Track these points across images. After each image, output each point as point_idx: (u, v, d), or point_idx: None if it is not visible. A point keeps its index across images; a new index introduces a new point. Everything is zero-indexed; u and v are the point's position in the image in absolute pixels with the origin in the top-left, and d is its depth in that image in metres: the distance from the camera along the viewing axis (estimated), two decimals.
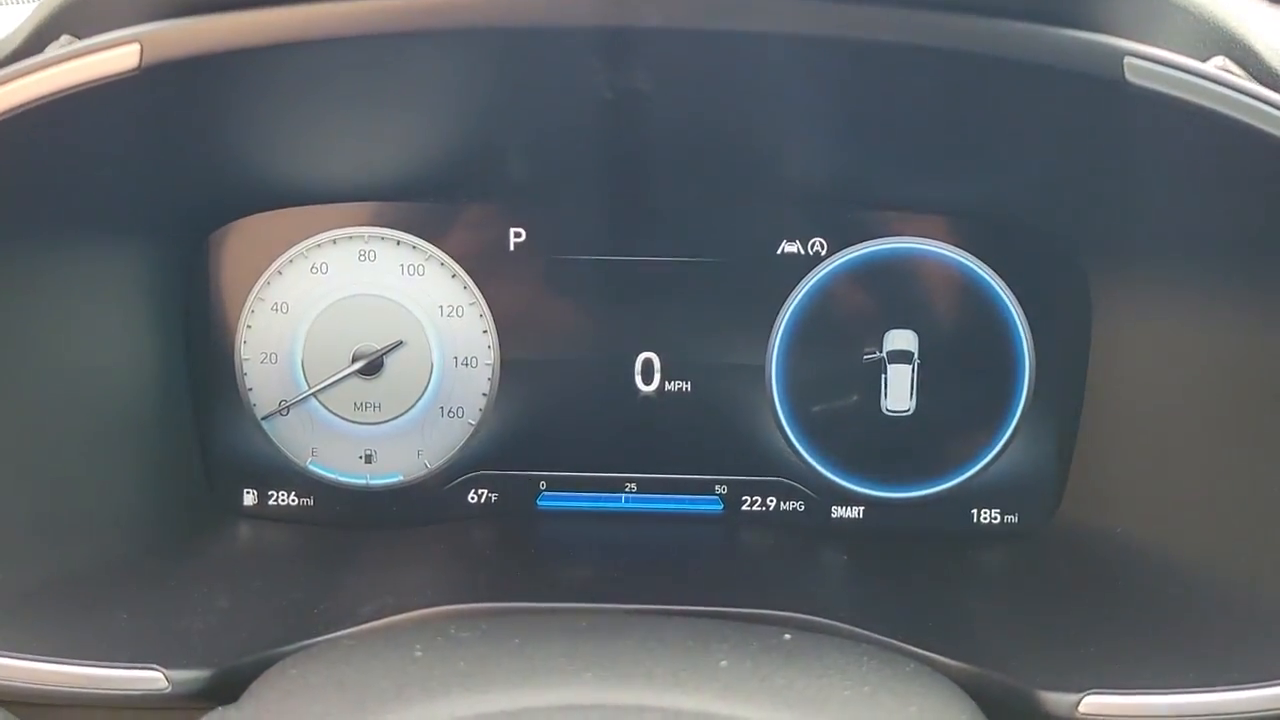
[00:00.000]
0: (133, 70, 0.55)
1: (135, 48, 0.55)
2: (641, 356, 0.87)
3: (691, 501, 0.88)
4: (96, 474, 0.79)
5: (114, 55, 0.55)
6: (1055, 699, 0.62)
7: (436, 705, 0.43)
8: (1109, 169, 0.72)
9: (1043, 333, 0.85)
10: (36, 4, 0.73)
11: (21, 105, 0.56)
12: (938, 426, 0.86)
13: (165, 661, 0.64)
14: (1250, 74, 0.62)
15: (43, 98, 0.56)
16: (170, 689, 0.63)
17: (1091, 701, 0.61)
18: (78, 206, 0.73)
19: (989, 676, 0.64)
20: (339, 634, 0.66)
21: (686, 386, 0.87)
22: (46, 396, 0.75)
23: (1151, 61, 0.57)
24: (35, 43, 0.68)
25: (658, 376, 0.87)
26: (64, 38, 0.65)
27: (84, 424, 0.78)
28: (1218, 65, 0.61)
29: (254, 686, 0.56)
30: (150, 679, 0.63)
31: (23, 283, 0.73)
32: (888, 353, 0.86)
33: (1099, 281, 0.82)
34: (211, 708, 0.55)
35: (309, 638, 0.66)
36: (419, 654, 0.50)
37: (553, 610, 0.67)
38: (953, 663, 0.64)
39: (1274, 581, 0.65)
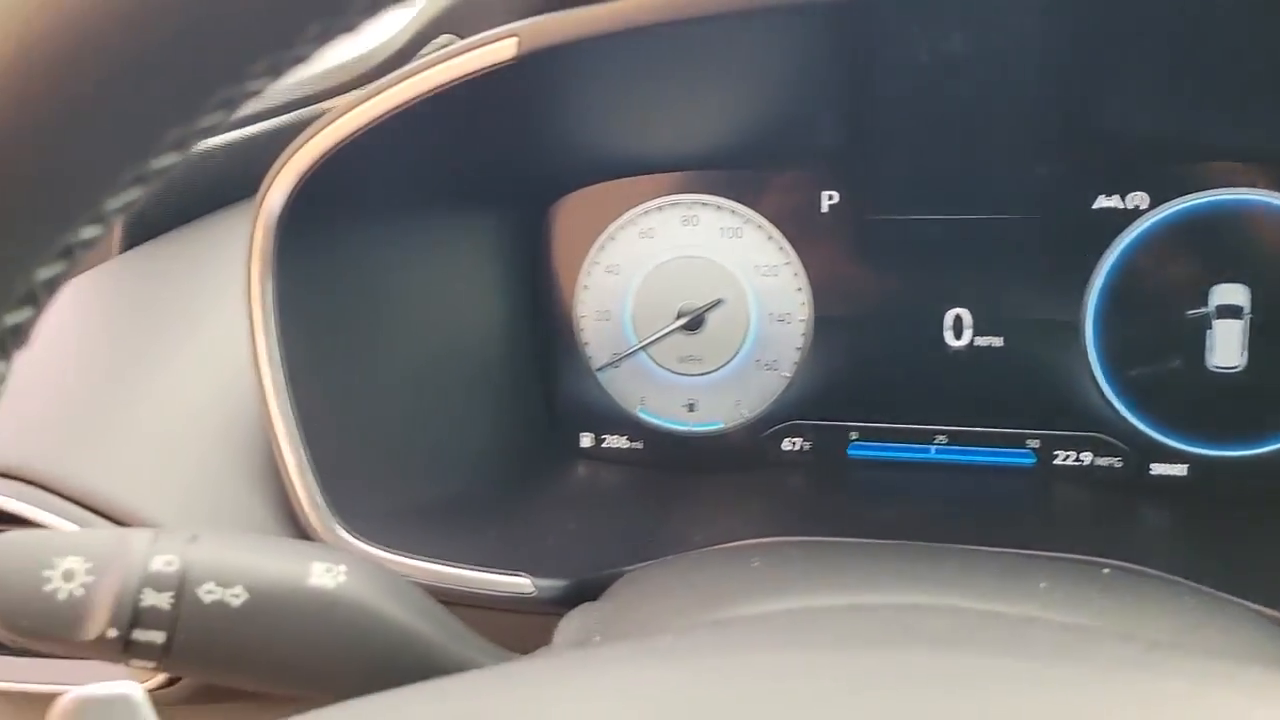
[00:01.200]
0: (510, 60, 0.65)
1: (513, 41, 0.65)
2: (952, 312, 0.90)
3: (1002, 454, 0.90)
4: (461, 415, 0.92)
5: (495, 48, 0.64)
6: None
7: (779, 602, 0.49)
8: None
9: None
10: (416, 9, 0.86)
11: (420, 95, 0.67)
12: (1271, 383, 0.83)
13: (531, 570, 0.74)
14: None
15: (437, 88, 0.67)
16: (535, 593, 0.73)
17: None
18: (450, 184, 0.86)
19: None
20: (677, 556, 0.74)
21: (998, 342, 0.89)
22: (425, 348, 0.88)
23: None
24: (417, 42, 0.81)
25: (968, 332, 0.89)
26: (444, 37, 0.77)
27: (452, 372, 0.91)
28: None
29: (611, 589, 0.65)
30: (520, 584, 0.74)
31: (406, 250, 0.86)
32: (1215, 308, 0.84)
33: None
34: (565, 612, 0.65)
35: (648, 559, 0.74)
36: (756, 565, 0.57)
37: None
38: (1273, 612, 0.63)
39: None
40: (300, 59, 0.34)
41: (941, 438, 0.91)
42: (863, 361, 0.92)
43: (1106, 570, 0.58)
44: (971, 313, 0.89)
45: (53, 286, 0.35)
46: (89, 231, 0.34)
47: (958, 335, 0.90)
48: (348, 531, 0.73)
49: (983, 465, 0.91)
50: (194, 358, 0.80)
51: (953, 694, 0.33)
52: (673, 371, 0.97)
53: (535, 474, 0.95)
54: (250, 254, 0.72)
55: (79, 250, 0.34)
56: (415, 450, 0.85)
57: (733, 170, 0.93)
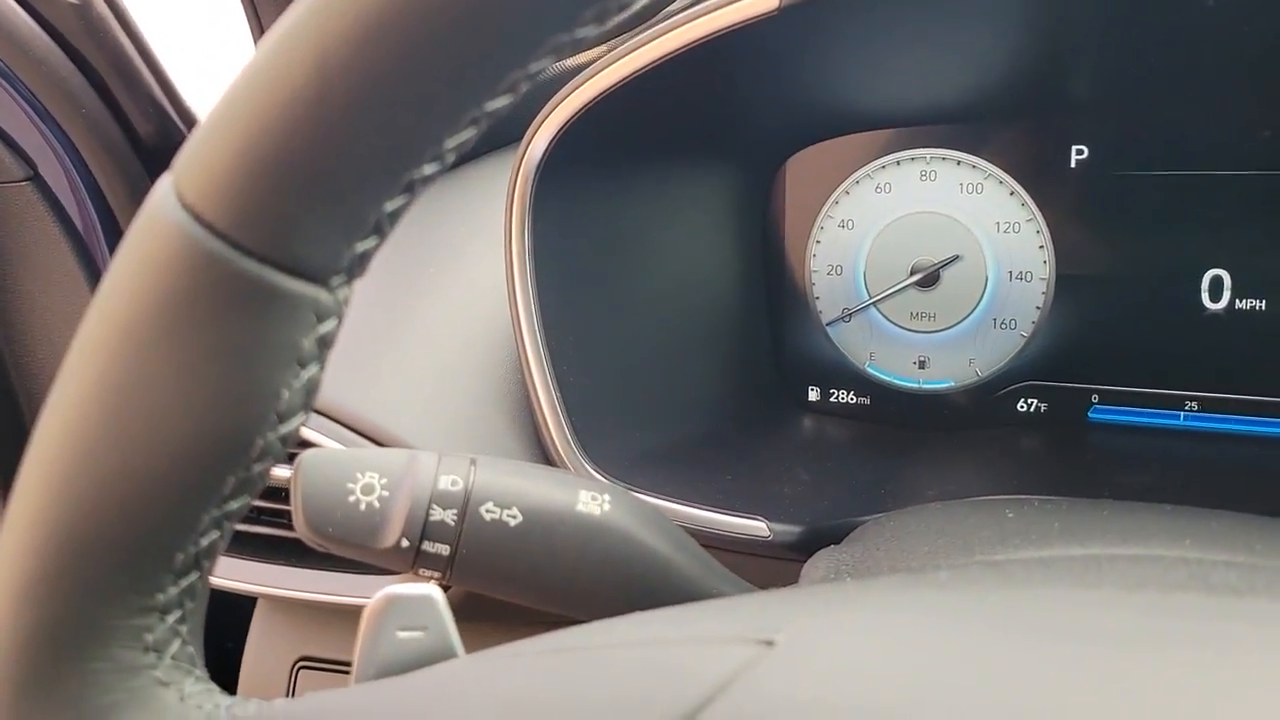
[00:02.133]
0: (773, 11, 0.65)
1: None
2: (1210, 273, 0.85)
3: (1260, 424, 0.85)
4: (696, 364, 0.94)
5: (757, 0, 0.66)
6: None
7: (1042, 550, 0.49)
8: None
9: None
10: None
11: (683, 47, 0.69)
12: None
13: (766, 515, 0.76)
14: None
15: (699, 39, 0.68)
16: (771, 537, 0.75)
17: None
18: (697, 137, 0.88)
19: None
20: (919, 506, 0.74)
21: (1260, 305, 0.84)
22: (665, 297, 0.91)
23: None
24: None
25: (1227, 294, 0.85)
26: None
27: (689, 321, 0.93)
28: None
29: (854, 535, 0.66)
30: (756, 527, 0.76)
31: (652, 201, 0.89)
32: None
33: None
34: (802, 558, 0.66)
35: (882, 511, 0.75)
36: (1011, 515, 0.57)
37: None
38: None
39: None
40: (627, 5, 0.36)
41: (1192, 404, 0.87)
42: (1107, 323, 0.89)
43: None
44: (1231, 274, 0.85)
45: (395, 218, 0.38)
46: (430, 168, 0.37)
47: (1215, 298, 0.86)
48: (594, 469, 0.77)
49: (1237, 434, 0.86)
50: (458, 297, 0.85)
51: (1260, 640, 0.32)
52: (904, 328, 0.96)
53: (765, 424, 0.97)
54: (511, 201, 0.76)
55: (420, 185, 0.38)
56: (654, 395, 0.88)
57: (976, 124, 0.91)
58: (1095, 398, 0.90)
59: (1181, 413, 0.88)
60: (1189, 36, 0.77)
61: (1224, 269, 0.85)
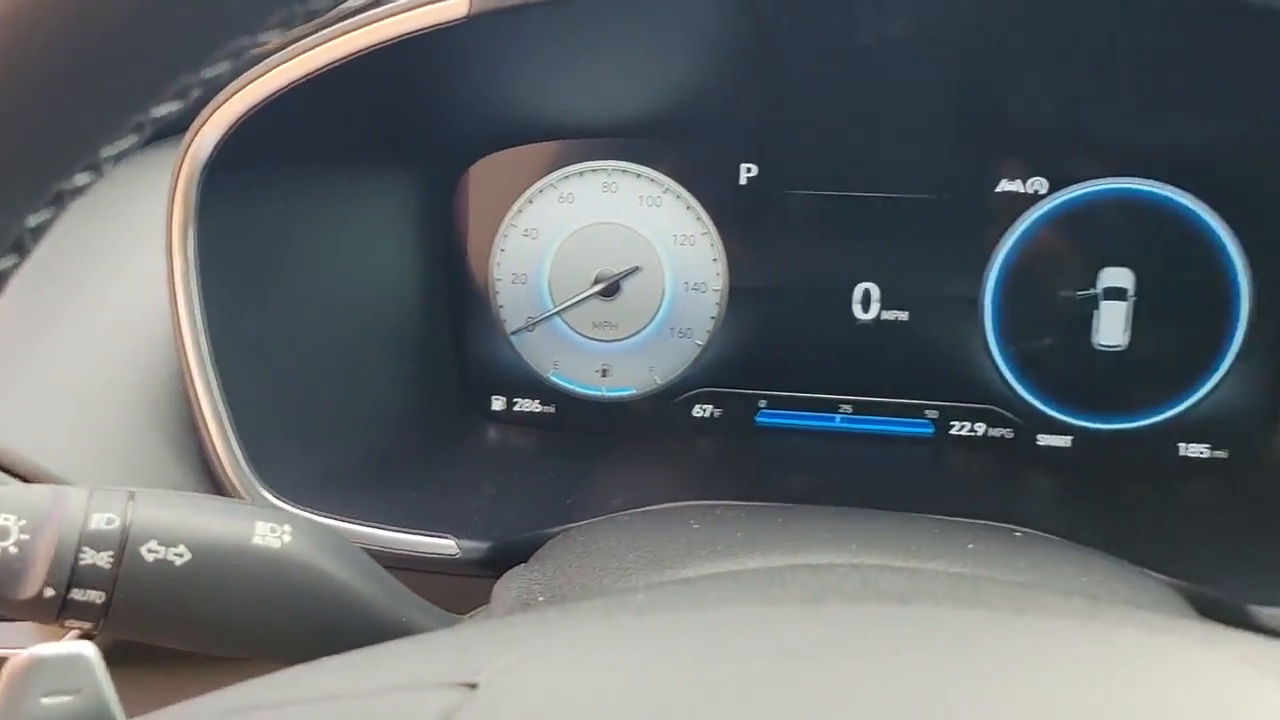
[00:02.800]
0: (461, 19, 0.64)
1: None
2: (861, 286, 0.93)
3: (903, 424, 0.94)
4: (376, 376, 0.91)
5: (447, 5, 0.64)
6: (1270, 614, 0.66)
7: (726, 562, 0.51)
8: None
9: (1263, 273, 0.87)
10: None
11: (367, 48, 0.65)
12: (1150, 362, 0.89)
13: (454, 532, 0.74)
14: None
15: (384, 41, 0.65)
16: (460, 554, 0.74)
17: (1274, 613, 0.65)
18: (376, 139, 0.84)
19: (1201, 592, 0.68)
20: (599, 519, 0.75)
21: (903, 316, 0.93)
22: (342, 305, 0.87)
23: None
24: None
25: (875, 306, 0.93)
26: None
27: (367, 330, 0.90)
28: None
29: (542, 552, 0.65)
30: (445, 546, 0.74)
31: (327, 204, 0.85)
32: (1103, 289, 0.89)
33: None
34: (492, 575, 0.65)
35: (569, 522, 0.75)
36: (695, 526, 0.59)
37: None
38: (1164, 578, 0.69)
39: None
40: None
41: (847, 407, 0.95)
42: (774, 331, 0.95)
43: (1018, 534, 0.62)
44: (880, 287, 0.93)
45: (39, 234, 0.34)
46: (83, 179, 0.33)
47: (865, 308, 0.93)
48: (272, 495, 0.72)
49: (885, 434, 0.95)
50: (110, 308, 0.77)
51: (928, 644, 0.35)
52: (587, 337, 0.97)
53: (450, 436, 0.95)
54: (172, 201, 0.70)
55: (70, 197, 0.33)
56: (334, 410, 0.84)
57: (655, 139, 0.94)
58: (763, 403, 0.96)
59: (838, 415, 0.95)
60: (848, 69, 0.83)
61: (873, 283, 0.93)
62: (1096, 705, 0.31)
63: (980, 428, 0.93)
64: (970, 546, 0.55)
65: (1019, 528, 0.64)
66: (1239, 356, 0.88)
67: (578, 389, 0.98)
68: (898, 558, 0.50)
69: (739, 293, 0.95)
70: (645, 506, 0.75)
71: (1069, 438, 0.92)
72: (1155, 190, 0.88)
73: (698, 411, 0.97)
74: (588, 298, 0.96)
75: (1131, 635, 0.36)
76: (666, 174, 0.94)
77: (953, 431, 0.94)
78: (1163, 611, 0.54)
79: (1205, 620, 0.57)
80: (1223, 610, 0.67)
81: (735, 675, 0.33)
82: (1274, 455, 0.87)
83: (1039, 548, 0.59)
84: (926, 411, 0.94)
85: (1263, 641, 0.38)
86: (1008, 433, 0.93)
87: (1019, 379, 0.92)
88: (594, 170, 0.95)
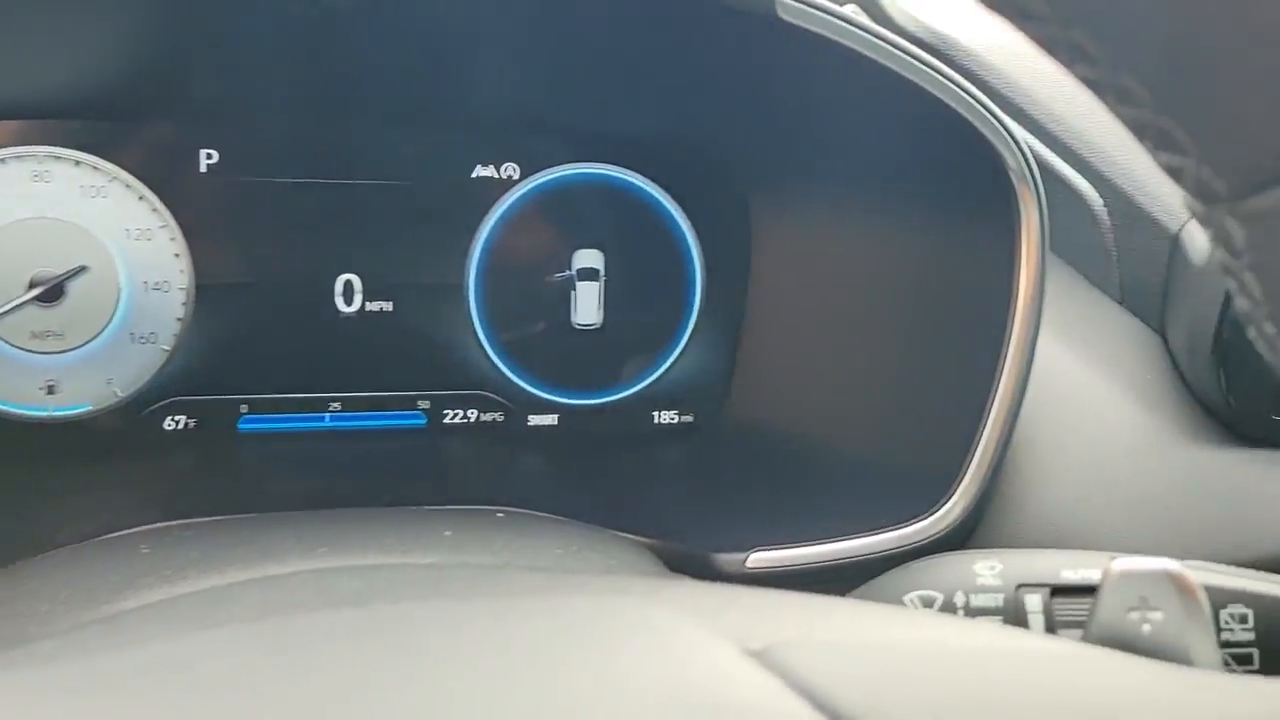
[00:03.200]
0: None
1: None
2: (342, 278, 0.89)
3: (395, 417, 0.92)
4: None
5: None
6: (727, 558, 0.72)
7: (173, 587, 0.46)
8: (767, 102, 0.83)
9: (712, 252, 0.95)
10: None
11: None
12: (623, 338, 0.95)
13: None
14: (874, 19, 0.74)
15: None
16: None
17: (757, 556, 0.72)
18: None
19: (670, 546, 0.73)
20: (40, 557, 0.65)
21: (388, 306, 0.91)
22: None
23: (799, 1, 0.66)
24: None
25: (359, 297, 0.90)
26: None
27: None
28: (851, 9, 0.72)
29: None
30: None
31: None
32: (576, 270, 0.93)
33: (759, 205, 0.93)
34: None
35: (8, 563, 0.65)
36: (146, 551, 0.52)
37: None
38: (636, 537, 0.73)
39: (893, 451, 0.79)
40: None
41: (336, 405, 0.91)
42: (250, 331, 0.88)
43: (500, 514, 0.62)
44: (362, 278, 0.90)
45: None
46: None
47: (349, 301, 0.90)
48: None
49: (378, 429, 0.92)
50: None
51: (379, 644, 0.33)
52: (25, 349, 0.84)
53: None
54: None
55: None
56: None
57: (96, 122, 0.83)
58: (244, 408, 0.89)
59: (327, 415, 0.90)
60: (304, 45, 0.79)
61: (355, 273, 0.90)
62: (550, 674, 0.31)
63: (472, 414, 0.93)
64: (448, 534, 0.53)
65: (502, 509, 0.64)
66: (696, 329, 0.96)
67: (18, 410, 0.85)
68: (370, 556, 0.48)
69: (207, 291, 0.87)
70: (102, 536, 0.67)
71: (555, 416, 0.95)
72: (618, 175, 0.93)
73: (170, 424, 0.88)
74: (22, 304, 0.83)
75: (585, 602, 0.36)
76: (112, 161, 0.84)
77: (446, 420, 0.93)
78: (633, 572, 0.57)
79: (664, 576, 0.61)
80: (691, 562, 0.72)
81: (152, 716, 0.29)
82: (732, 417, 0.96)
83: (519, 527, 0.60)
84: (419, 402, 0.92)
85: (704, 589, 0.41)
86: (499, 416, 0.94)
87: (506, 362, 0.93)
88: (19, 158, 0.82)
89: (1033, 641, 0.38)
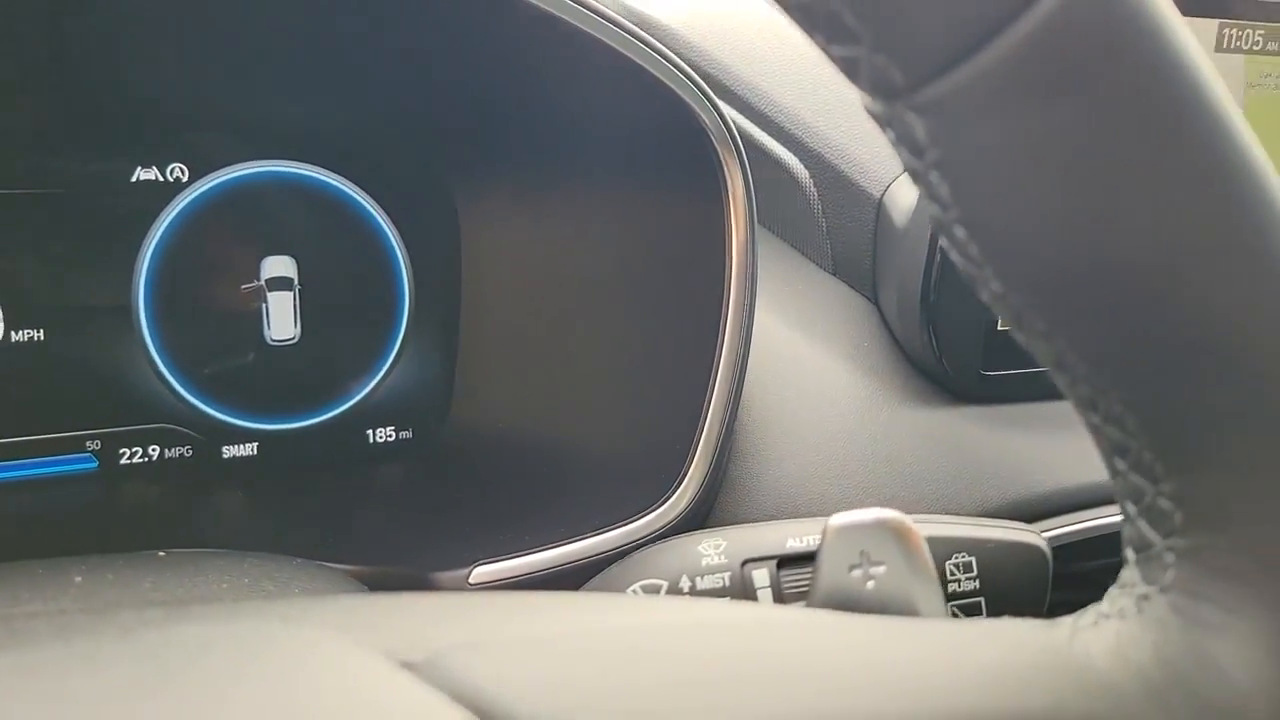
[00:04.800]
0: None
1: None
2: None
3: (61, 463, 0.79)
4: None
5: None
6: (448, 577, 0.65)
7: None
8: (463, 84, 0.77)
9: (418, 252, 0.88)
10: None
11: None
12: (325, 353, 0.86)
13: None
14: None
15: None
16: None
17: (480, 571, 0.65)
18: None
19: (385, 571, 0.65)
20: None
21: (39, 335, 0.78)
22: None
23: None
24: None
25: (1, 326, 0.77)
26: None
27: None
28: None
29: None
30: None
31: None
32: (266, 280, 0.84)
33: (465, 199, 0.87)
34: None
35: None
36: None
37: None
38: (347, 566, 0.65)
39: (618, 446, 0.75)
40: None
41: None
42: None
43: (162, 554, 0.52)
44: (3, 304, 0.77)
45: None
46: None
47: None
48: None
49: (42, 478, 0.79)
50: None
51: None
52: None
53: None
54: None
55: None
56: None
57: None
58: None
59: None
60: None
61: None
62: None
63: (154, 451, 0.82)
64: (78, 580, 0.44)
65: (166, 549, 0.55)
66: (407, 338, 0.89)
67: None
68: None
69: None
70: None
71: (254, 444, 0.85)
72: (306, 173, 0.85)
73: None
74: None
75: (201, 629, 0.29)
76: None
77: (123, 461, 0.81)
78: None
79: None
80: (410, 585, 0.65)
81: None
82: (455, 429, 0.89)
83: (181, 565, 0.51)
84: (87, 443, 0.80)
85: (369, 601, 0.34)
86: (186, 451, 0.83)
87: (191, 389, 0.83)
88: None
89: (740, 612, 0.34)
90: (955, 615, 0.47)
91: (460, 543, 0.69)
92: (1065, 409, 0.33)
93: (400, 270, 0.88)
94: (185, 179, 0.81)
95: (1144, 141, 0.28)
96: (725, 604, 0.36)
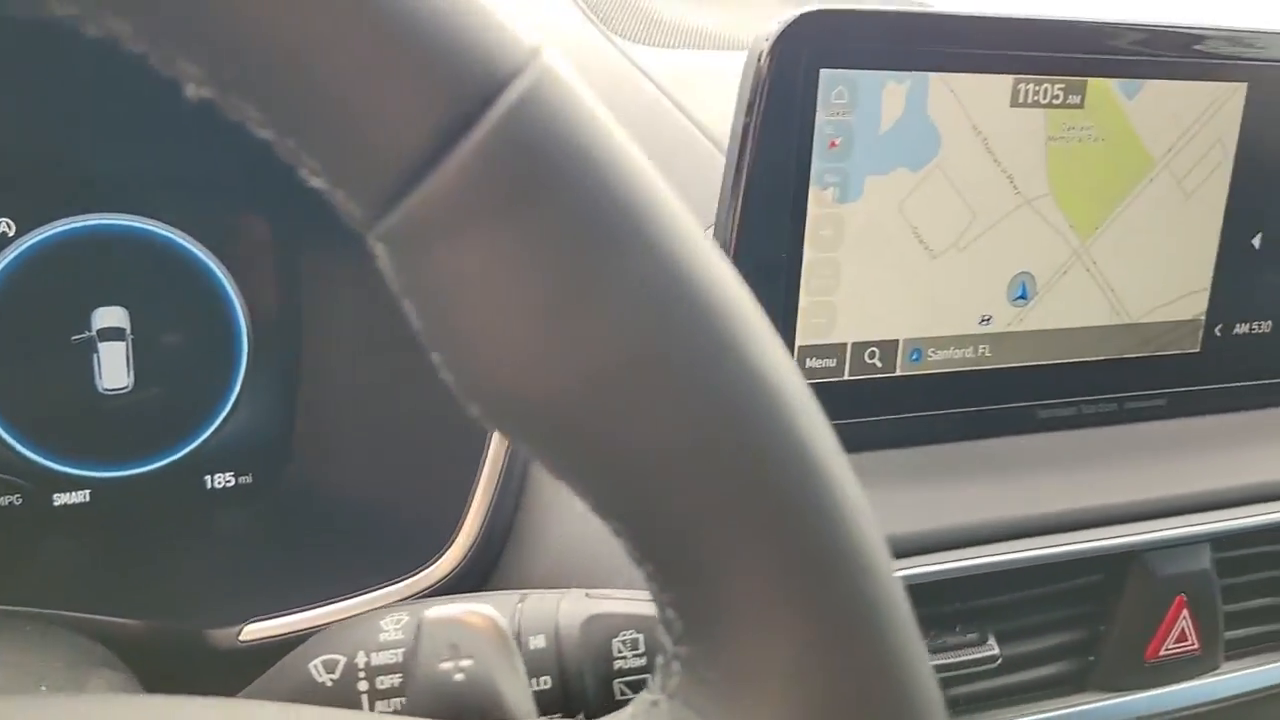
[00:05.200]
0: None
1: None
2: None
3: None
4: None
5: None
6: (219, 634, 0.66)
7: None
8: None
9: (257, 301, 0.89)
10: None
11: None
12: (159, 400, 0.87)
13: None
14: None
15: None
16: None
17: (252, 629, 0.66)
18: None
19: (159, 626, 0.66)
20: None
21: None
22: None
23: None
24: None
25: None
26: None
27: None
28: None
29: None
30: None
31: None
32: (98, 331, 0.85)
33: (305, 246, 0.88)
34: None
35: None
36: None
37: None
38: (120, 620, 0.66)
39: (408, 499, 0.75)
40: None
41: None
42: None
43: None
44: None
45: None
46: None
47: None
48: None
49: None
50: None
51: None
52: None
53: None
54: None
55: None
56: None
57: None
58: None
59: None
60: None
61: None
62: None
63: None
64: None
65: None
66: (246, 384, 0.89)
67: None
68: None
69: None
70: None
71: (87, 491, 0.86)
72: (136, 225, 0.86)
73: None
74: None
75: None
76: None
77: None
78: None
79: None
80: (183, 640, 0.66)
81: None
82: (294, 477, 0.90)
83: None
84: None
85: None
86: (16, 499, 0.84)
87: (19, 438, 0.84)
88: None
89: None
90: (623, 694, 0.47)
91: (243, 596, 0.70)
92: None
93: (239, 320, 0.89)
94: (11, 234, 0.82)
95: (580, 264, 0.28)
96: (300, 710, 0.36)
